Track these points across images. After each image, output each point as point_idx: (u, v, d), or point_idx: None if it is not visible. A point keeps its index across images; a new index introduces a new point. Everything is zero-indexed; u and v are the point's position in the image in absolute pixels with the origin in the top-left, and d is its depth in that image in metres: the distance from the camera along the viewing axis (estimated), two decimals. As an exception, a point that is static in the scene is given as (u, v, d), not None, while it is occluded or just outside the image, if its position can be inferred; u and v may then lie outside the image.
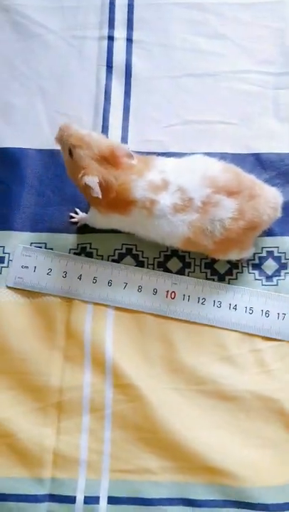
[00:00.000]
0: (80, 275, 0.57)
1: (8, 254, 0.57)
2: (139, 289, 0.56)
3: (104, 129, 0.61)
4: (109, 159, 0.51)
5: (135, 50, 0.66)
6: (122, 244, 0.58)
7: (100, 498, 0.50)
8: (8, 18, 0.67)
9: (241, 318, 0.55)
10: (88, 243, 0.58)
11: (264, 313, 0.55)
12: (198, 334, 0.55)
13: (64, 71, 0.65)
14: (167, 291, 0.56)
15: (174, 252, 0.58)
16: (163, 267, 0.57)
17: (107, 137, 0.61)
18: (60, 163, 0.56)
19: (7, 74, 0.65)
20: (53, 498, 0.50)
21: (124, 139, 0.62)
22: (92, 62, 0.65)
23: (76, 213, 0.59)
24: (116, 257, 0.57)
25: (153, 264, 0.57)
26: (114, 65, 0.65)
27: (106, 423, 0.52)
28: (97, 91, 0.64)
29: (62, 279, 0.57)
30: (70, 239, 0.58)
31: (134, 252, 0.58)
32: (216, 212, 0.51)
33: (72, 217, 0.59)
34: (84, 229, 0.58)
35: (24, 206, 0.59)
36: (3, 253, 0.57)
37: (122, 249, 0.58)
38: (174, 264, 0.57)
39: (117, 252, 0.58)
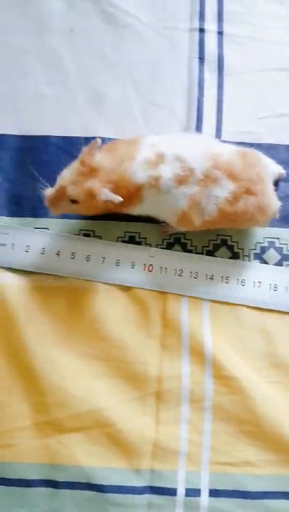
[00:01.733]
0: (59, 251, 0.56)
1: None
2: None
3: (199, 121, 0.61)
4: (90, 169, 0.49)
5: (226, 43, 0.65)
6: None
7: (201, 491, 0.49)
8: (98, 7, 0.67)
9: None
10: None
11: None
12: None
13: (155, 62, 0.65)
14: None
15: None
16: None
17: (201, 130, 0.61)
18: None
19: (98, 64, 0.65)
20: (153, 490, 0.49)
21: (219, 130, 0.61)
22: (184, 54, 0.65)
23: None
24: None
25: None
26: (206, 57, 0.65)
27: (206, 414, 0.51)
28: (190, 82, 0.63)
29: (41, 256, 0.56)
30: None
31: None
32: (214, 188, 0.50)
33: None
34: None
35: None
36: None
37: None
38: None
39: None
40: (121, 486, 0.49)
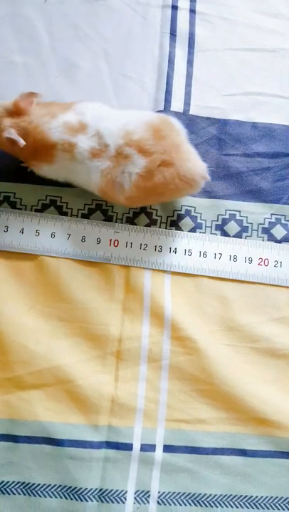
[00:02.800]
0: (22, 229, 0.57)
1: None
2: (83, 239, 0.57)
3: (168, 93, 0.63)
4: (18, 113, 0.53)
5: (198, 21, 0.67)
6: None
7: (156, 446, 0.51)
8: (74, -20, 0.69)
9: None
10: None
11: (202, 255, 0.57)
12: (253, 295, 0.57)
13: (128, 36, 0.66)
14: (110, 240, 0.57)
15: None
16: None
17: (170, 102, 0.62)
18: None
19: (71, 35, 0.66)
20: (110, 445, 0.51)
21: (187, 104, 0.63)
22: (156, 29, 0.66)
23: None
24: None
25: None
26: (177, 33, 0.66)
27: (163, 373, 0.53)
28: (161, 57, 0.65)
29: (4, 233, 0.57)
30: None
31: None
32: (126, 165, 0.51)
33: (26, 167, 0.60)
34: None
35: None
36: None
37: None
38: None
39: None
40: (78, 441, 0.51)
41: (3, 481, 0.49)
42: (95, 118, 0.53)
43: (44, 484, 0.49)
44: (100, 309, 0.55)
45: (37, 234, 0.57)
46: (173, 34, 0.66)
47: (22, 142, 0.52)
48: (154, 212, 0.59)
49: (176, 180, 0.51)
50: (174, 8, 0.67)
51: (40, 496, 0.49)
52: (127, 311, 0.55)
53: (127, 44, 0.66)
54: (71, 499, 0.48)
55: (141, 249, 0.57)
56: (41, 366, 0.52)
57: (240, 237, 0.58)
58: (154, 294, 0.55)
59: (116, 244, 0.57)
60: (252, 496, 0.49)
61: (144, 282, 0.56)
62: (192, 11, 0.68)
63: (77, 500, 0.48)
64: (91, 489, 0.49)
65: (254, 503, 0.49)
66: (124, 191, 0.52)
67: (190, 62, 0.65)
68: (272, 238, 0.58)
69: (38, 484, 0.49)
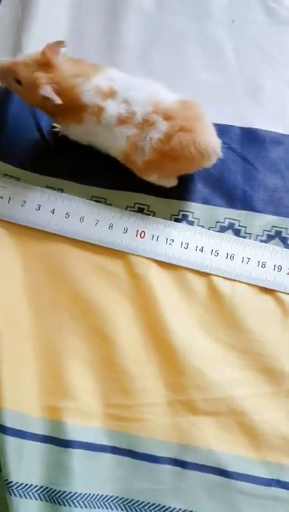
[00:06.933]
0: (53, 209, 0.57)
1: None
2: (110, 226, 0.56)
3: None
4: (47, 63, 0.52)
5: None
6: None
7: None
8: (262, 1, 0.68)
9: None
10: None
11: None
12: None
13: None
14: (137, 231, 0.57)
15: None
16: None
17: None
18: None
19: (257, 55, 0.65)
20: (280, 484, 0.49)
21: None
22: None
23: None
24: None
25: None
26: None
27: None
28: None
29: (36, 212, 0.57)
30: None
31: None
32: (150, 130, 0.52)
33: (54, 127, 0.61)
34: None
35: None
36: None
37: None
38: None
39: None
40: (248, 475, 0.49)
41: (169, 507, 0.49)
42: (123, 86, 0.53)
43: (210, 515, 0.48)
44: (277, 344, 0.53)
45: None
46: None
47: (59, 101, 0.52)
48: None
49: (192, 148, 0.52)
50: None
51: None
52: None
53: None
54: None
55: None
56: (215, 394, 0.51)
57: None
58: None
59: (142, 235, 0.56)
60: None
61: None
62: None
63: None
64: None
65: None
66: (143, 155, 0.53)
67: None
68: None
69: (205, 514, 0.48)
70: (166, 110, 0.52)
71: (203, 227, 0.58)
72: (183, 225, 0.58)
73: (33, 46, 0.63)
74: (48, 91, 0.51)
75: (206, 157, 0.53)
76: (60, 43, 0.52)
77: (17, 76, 0.53)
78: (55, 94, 0.51)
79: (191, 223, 0.58)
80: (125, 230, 0.57)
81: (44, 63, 0.52)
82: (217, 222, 0.58)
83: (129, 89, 0.53)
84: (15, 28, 0.66)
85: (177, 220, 0.58)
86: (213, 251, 0.56)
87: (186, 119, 0.52)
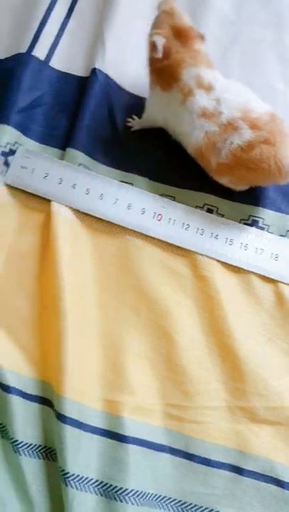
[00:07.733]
0: (75, 184, 0.57)
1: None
2: (129, 206, 0.57)
3: None
4: (181, 35, 0.54)
5: None
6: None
7: None
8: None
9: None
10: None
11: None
12: None
13: None
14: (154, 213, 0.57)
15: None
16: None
17: None
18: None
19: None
20: None
21: None
22: None
23: (132, 119, 0.62)
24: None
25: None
26: None
27: None
28: None
29: (57, 185, 0.57)
30: None
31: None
32: (232, 135, 0.52)
33: (128, 122, 0.62)
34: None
35: None
36: None
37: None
38: None
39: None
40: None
41: (222, 513, 0.48)
42: (222, 88, 0.54)
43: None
44: None
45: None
46: None
47: (159, 54, 0.54)
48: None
49: (271, 161, 0.52)
50: None
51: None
52: None
53: None
54: None
55: None
56: (277, 403, 0.51)
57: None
58: None
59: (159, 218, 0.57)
60: None
61: None
62: None
63: None
64: None
65: None
66: (219, 156, 0.53)
67: None
68: None
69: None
70: (254, 120, 0.52)
71: (272, 234, 0.57)
72: (258, 230, 0.57)
73: (115, 35, 0.65)
74: (158, 41, 0.53)
75: (283, 174, 0.53)
76: (202, 38, 0.56)
77: (159, 13, 0.56)
78: (161, 49, 0.53)
79: (262, 229, 0.57)
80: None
81: (181, 33, 0.54)
82: (288, 231, 0.58)
83: (226, 91, 0.54)
84: (97, 18, 0.67)
85: (247, 225, 0.57)
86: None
87: (271, 132, 0.52)
